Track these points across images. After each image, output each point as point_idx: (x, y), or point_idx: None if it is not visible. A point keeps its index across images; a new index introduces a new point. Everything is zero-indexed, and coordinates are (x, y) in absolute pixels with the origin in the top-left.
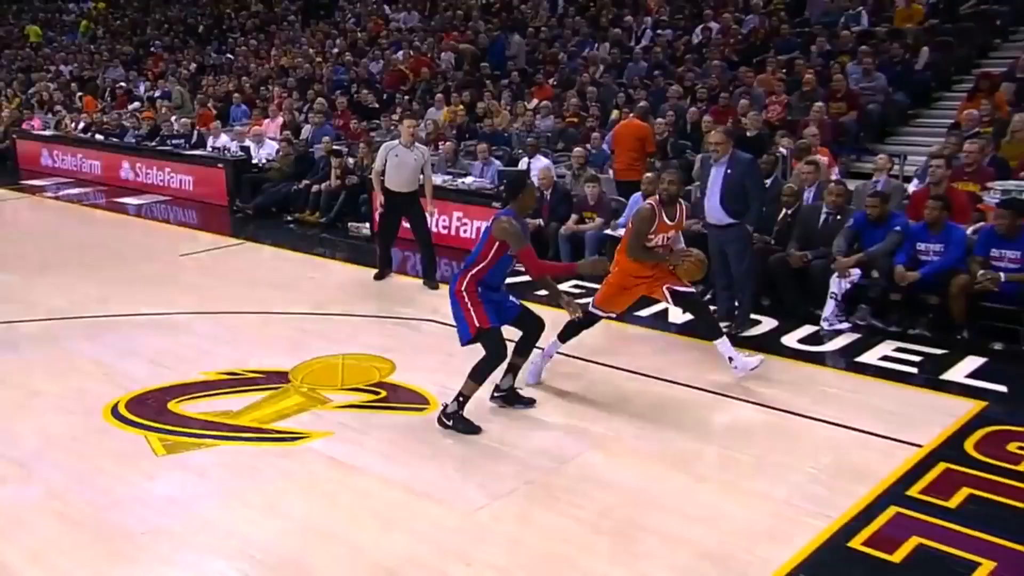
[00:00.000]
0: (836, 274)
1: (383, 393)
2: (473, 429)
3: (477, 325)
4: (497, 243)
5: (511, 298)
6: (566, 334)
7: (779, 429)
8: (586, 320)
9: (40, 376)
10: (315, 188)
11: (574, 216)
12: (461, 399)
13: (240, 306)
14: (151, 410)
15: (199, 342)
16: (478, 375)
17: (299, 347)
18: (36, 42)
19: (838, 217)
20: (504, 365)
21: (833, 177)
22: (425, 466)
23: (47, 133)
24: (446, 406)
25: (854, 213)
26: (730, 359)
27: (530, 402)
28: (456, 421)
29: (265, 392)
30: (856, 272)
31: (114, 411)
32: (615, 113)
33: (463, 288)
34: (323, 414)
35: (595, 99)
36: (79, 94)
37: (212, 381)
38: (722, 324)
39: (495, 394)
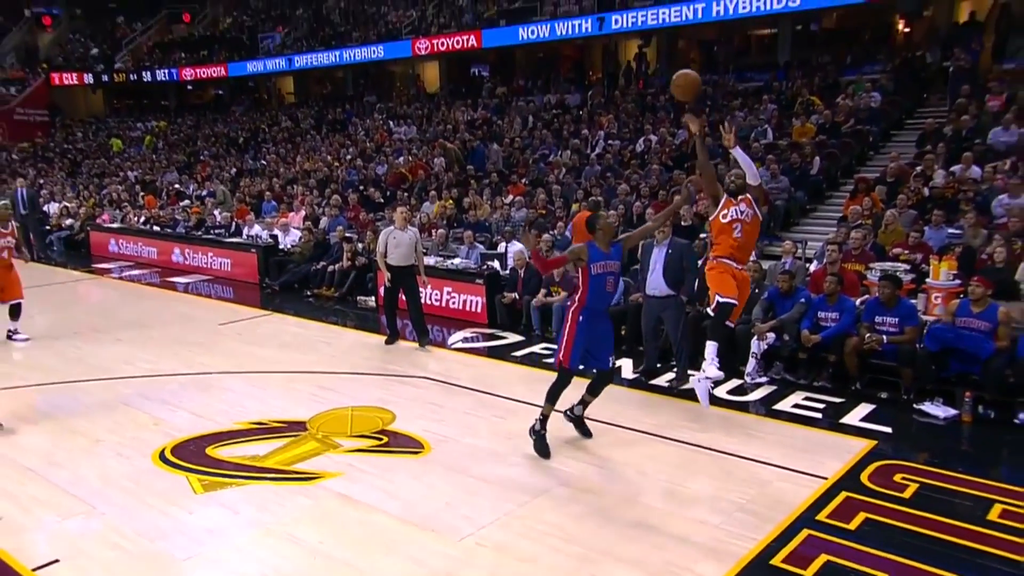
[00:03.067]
0: (756, 337)
1: (385, 439)
2: (545, 453)
3: (561, 359)
4: (579, 269)
5: (610, 345)
6: (715, 332)
7: (714, 466)
8: (725, 312)
9: (103, 426)
10: (330, 268)
11: (543, 290)
12: (542, 418)
13: (267, 367)
14: (192, 455)
15: (233, 397)
16: (549, 397)
17: (315, 400)
18: (117, 152)
19: (756, 290)
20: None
21: (751, 258)
22: (420, 501)
23: (115, 226)
24: (536, 422)
25: (768, 287)
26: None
27: (588, 434)
28: (538, 440)
29: (287, 439)
30: (771, 335)
31: (162, 456)
32: (575, 206)
33: (569, 316)
34: (335, 457)
35: (559, 195)
36: (142, 194)
37: (243, 430)
38: (648, 378)
39: (566, 412)
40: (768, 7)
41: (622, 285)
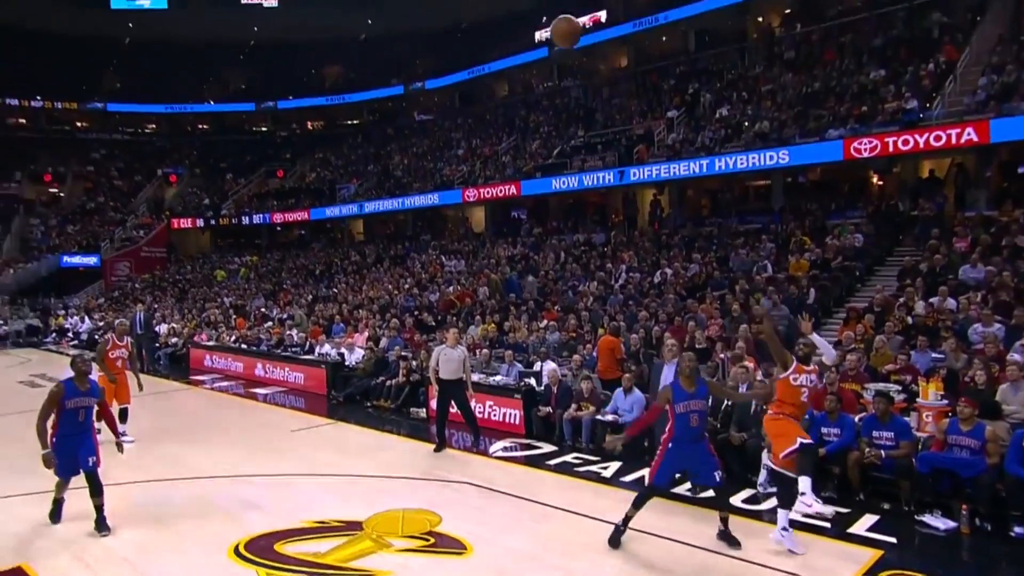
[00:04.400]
0: (766, 450)
1: (432, 540)
2: (616, 543)
3: (649, 477)
4: (668, 407)
5: (710, 462)
6: (805, 469)
7: (733, 572)
8: (812, 452)
9: (187, 521)
10: (388, 383)
11: (574, 405)
12: (625, 518)
13: (331, 470)
14: (262, 550)
15: (300, 498)
16: (635, 504)
17: (372, 502)
18: (220, 280)
19: (764, 407)
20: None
21: (758, 378)
22: None
23: (210, 343)
24: (621, 520)
25: None
26: (784, 529)
27: (736, 543)
28: (615, 532)
29: (345, 537)
30: None
31: (236, 550)
32: (601, 330)
33: (661, 442)
34: (387, 556)
35: (587, 320)
36: (234, 316)
37: (307, 528)
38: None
39: (718, 535)
40: (762, 163)
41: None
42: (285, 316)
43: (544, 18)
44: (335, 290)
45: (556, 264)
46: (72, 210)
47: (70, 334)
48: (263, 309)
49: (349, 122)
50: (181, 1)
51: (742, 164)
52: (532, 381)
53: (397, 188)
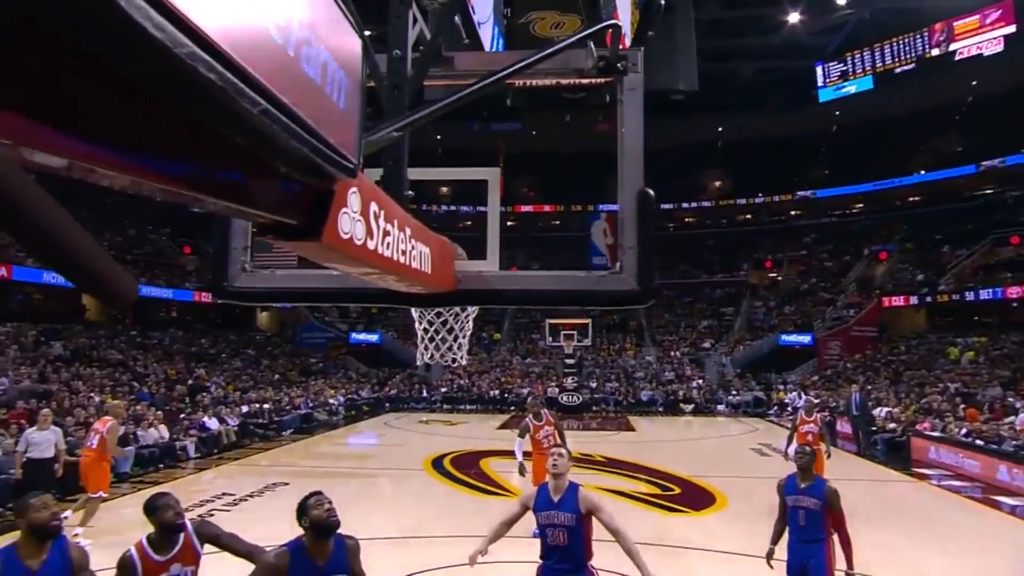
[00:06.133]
0: None
1: None
2: None
3: None
4: None
5: None
6: None
7: None
8: None
9: None
10: None
11: None
12: None
13: None
14: None
15: None
16: None
17: None
18: (952, 360)
19: None
20: None
21: None
22: None
23: (936, 434)
24: None
25: None
26: None
27: None
28: None
29: None
30: None
31: None
32: None
33: None
34: None
35: None
36: (962, 406)
37: None
38: None
39: None
40: None
41: None
42: None
43: None
44: None
45: None
46: (788, 292)
47: (789, 408)
48: (1011, 399)
49: None
50: (887, 78)
51: None
52: None
53: None
